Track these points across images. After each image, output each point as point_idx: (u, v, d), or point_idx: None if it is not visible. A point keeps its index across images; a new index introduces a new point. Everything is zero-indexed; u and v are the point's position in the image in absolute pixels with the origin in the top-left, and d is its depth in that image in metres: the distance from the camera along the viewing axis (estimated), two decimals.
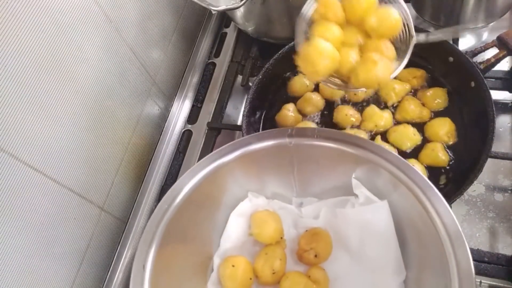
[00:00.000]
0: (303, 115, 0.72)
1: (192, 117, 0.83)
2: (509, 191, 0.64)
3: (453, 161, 0.63)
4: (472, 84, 0.63)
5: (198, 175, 0.51)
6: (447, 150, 0.64)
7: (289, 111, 0.71)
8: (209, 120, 0.80)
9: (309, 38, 0.55)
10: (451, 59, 0.67)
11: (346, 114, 0.69)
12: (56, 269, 0.58)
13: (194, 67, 0.88)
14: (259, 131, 0.73)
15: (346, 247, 0.54)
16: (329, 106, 0.72)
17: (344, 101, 0.72)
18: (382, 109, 0.69)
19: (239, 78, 0.86)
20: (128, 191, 0.74)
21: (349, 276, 0.53)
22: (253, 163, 0.54)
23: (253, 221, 0.56)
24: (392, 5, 0.55)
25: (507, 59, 0.68)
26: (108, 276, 0.68)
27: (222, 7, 0.70)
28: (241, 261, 0.54)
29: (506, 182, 0.65)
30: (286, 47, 0.72)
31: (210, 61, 0.89)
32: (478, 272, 0.56)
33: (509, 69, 0.71)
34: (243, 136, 0.66)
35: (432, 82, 0.71)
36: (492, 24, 0.77)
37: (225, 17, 0.94)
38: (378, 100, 0.70)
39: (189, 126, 0.82)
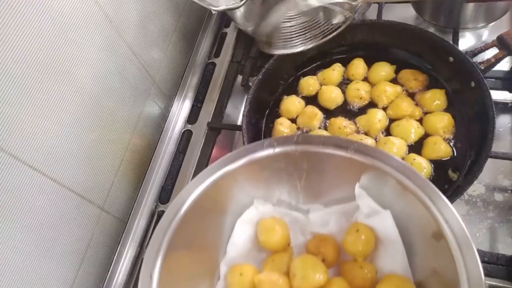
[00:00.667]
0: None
1: (192, 117, 0.83)
2: (509, 191, 0.64)
3: (453, 161, 0.63)
4: (472, 84, 0.63)
5: (204, 183, 0.51)
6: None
7: (281, 125, 0.71)
8: (209, 120, 0.80)
9: None
10: (451, 59, 0.67)
11: (340, 127, 0.68)
12: (56, 269, 0.58)
13: (194, 67, 0.88)
14: (259, 131, 0.73)
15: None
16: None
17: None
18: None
19: (239, 78, 0.85)
20: (128, 191, 0.74)
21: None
22: (259, 171, 0.54)
23: (259, 228, 0.56)
24: None
25: (507, 59, 0.68)
26: (108, 276, 0.68)
27: (222, 7, 0.70)
28: (249, 270, 0.53)
29: (506, 182, 0.65)
30: None
31: (210, 61, 0.89)
32: None
33: (509, 69, 0.71)
34: (243, 136, 0.66)
35: (431, 83, 0.70)
36: (492, 24, 0.77)
37: (225, 17, 0.94)
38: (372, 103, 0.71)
39: (189, 126, 0.82)
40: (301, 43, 0.63)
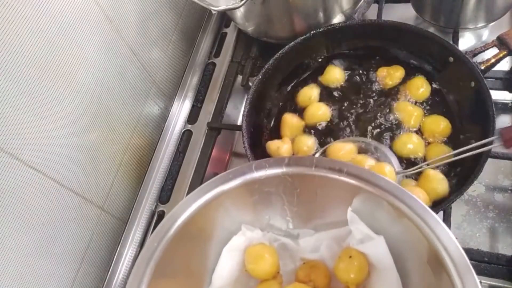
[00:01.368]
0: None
1: (192, 117, 0.83)
2: (509, 191, 0.64)
3: (453, 161, 0.63)
4: (472, 84, 0.63)
5: (190, 208, 0.48)
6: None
7: (278, 148, 0.69)
8: (209, 120, 0.80)
9: None
10: (451, 59, 0.67)
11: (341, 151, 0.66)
12: (56, 269, 0.58)
13: (194, 67, 0.88)
14: (260, 132, 0.73)
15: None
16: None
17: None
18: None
19: (239, 78, 0.85)
20: (128, 191, 0.74)
21: None
22: (248, 194, 0.52)
23: (247, 256, 0.53)
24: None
25: (507, 59, 0.68)
26: (108, 276, 0.68)
27: (222, 7, 0.70)
28: None
29: (506, 182, 0.65)
30: (286, 47, 0.72)
31: (210, 61, 0.89)
32: (478, 272, 0.56)
33: (509, 69, 0.71)
34: (243, 136, 0.66)
35: (430, 81, 0.71)
36: (492, 24, 0.77)
37: (225, 17, 0.94)
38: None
39: (189, 126, 0.82)
40: None
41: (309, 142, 0.69)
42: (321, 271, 0.52)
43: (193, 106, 0.84)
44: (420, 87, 0.69)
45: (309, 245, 0.55)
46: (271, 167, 0.50)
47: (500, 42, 0.66)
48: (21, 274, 0.52)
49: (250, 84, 0.81)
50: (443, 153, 0.62)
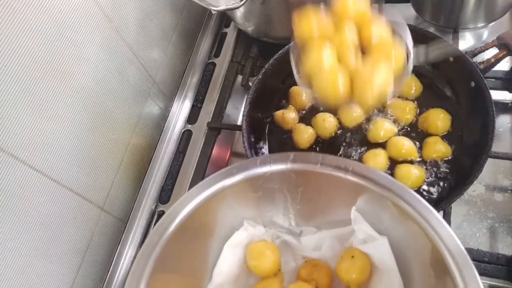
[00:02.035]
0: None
1: (192, 117, 0.83)
2: (509, 191, 0.64)
3: (453, 161, 0.63)
4: (472, 84, 0.63)
5: (192, 202, 0.48)
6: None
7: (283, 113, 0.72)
8: (209, 120, 0.80)
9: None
10: (451, 59, 0.67)
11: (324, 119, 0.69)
12: (56, 269, 0.58)
13: (194, 67, 0.88)
14: (259, 133, 0.73)
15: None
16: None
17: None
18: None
19: (239, 78, 0.85)
20: (128, 191, 0.74)
21: None
22: (251, 190, 0.51)
23: (249, 252, 0.53)
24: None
25: (507, 59, 0.69)
26: (108, 276, 0.68)
27: (222, 7, 0.70)
28: None
29: (506, 182, 0.65)
30: (286, 47, 0.72)
31: (210, 61, 0.89)
32: (478, 272, 0.55)
33: (509, 69, 0.71)
34: (243, 136, 0.66)
35: (431, 84, 0.71)
36: (492, 24, 0.77)
37: (225, 17, 0.94)
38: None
39: (189, 126, 0.82)
40: None
41: None
42: (323, 270, 0.51)
43: (193, 106, 0.84)
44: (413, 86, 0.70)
45: (311, 243, 0.54)
46: (276, 163, 0.49)
47: (500, 42, 0.66)
48: (21, 274, 0.52)
49: (250, 84, 0.81)
50: (440, 150, 0.63)
